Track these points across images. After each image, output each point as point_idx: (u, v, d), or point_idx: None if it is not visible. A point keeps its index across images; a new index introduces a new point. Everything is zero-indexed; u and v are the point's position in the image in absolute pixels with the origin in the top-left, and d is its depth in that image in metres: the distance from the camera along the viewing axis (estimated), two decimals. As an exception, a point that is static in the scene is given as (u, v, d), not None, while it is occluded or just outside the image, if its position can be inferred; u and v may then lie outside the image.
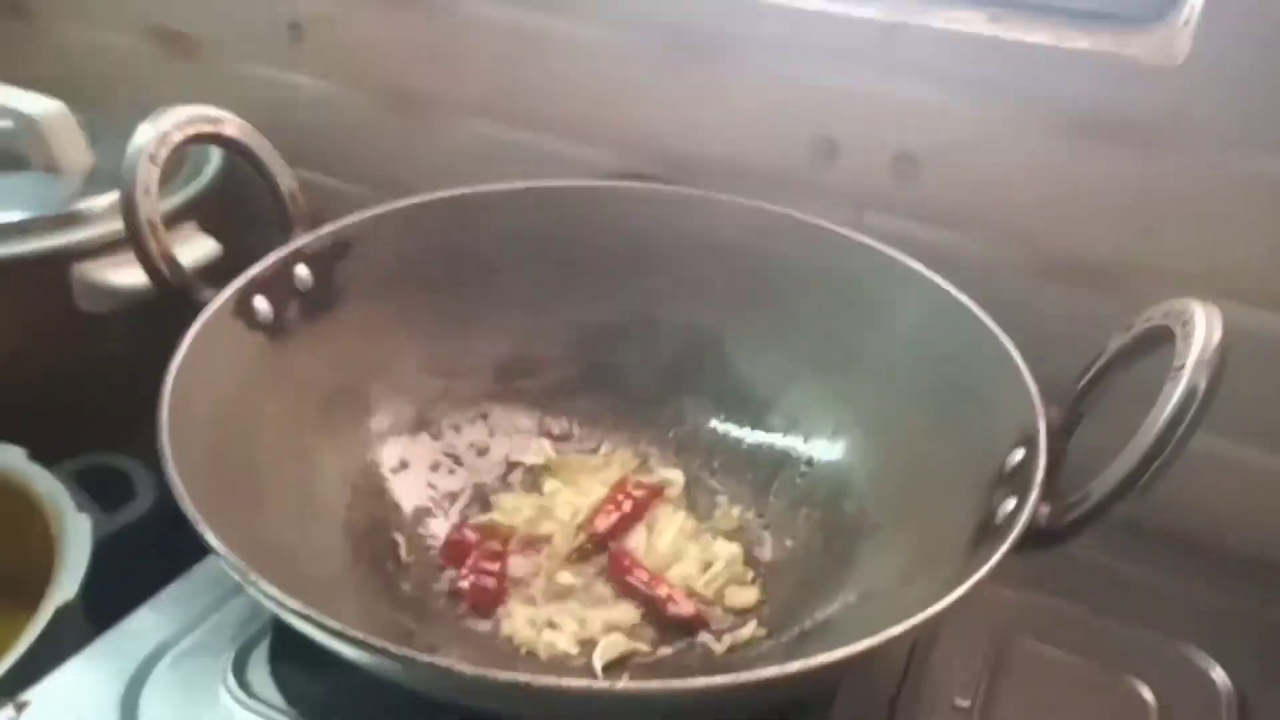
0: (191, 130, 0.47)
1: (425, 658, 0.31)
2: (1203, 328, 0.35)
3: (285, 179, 0.52)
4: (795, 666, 0.32)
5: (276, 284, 0.50)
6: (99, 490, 0.58)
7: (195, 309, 0.46)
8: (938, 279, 0.50)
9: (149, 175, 0.45)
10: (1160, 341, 0.38)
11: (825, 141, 0.60)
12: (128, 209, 0.45)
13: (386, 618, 0.44)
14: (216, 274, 0.51)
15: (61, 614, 0.49)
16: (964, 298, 0.49)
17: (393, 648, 0.32)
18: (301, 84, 0.75)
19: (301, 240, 0.51)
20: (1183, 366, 0.34)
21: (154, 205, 0.45)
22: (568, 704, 0.32)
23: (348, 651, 0.34)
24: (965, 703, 0.49)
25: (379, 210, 0.54)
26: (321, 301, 0.52)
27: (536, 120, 0.69)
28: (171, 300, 0.48)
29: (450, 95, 0.71)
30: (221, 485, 0.41)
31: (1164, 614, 0.53)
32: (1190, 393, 0.34)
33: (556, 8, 0.64)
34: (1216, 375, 0.34)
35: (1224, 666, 0.50)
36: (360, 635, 0.32)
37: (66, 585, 0.50)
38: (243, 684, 0.45)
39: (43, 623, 0.48)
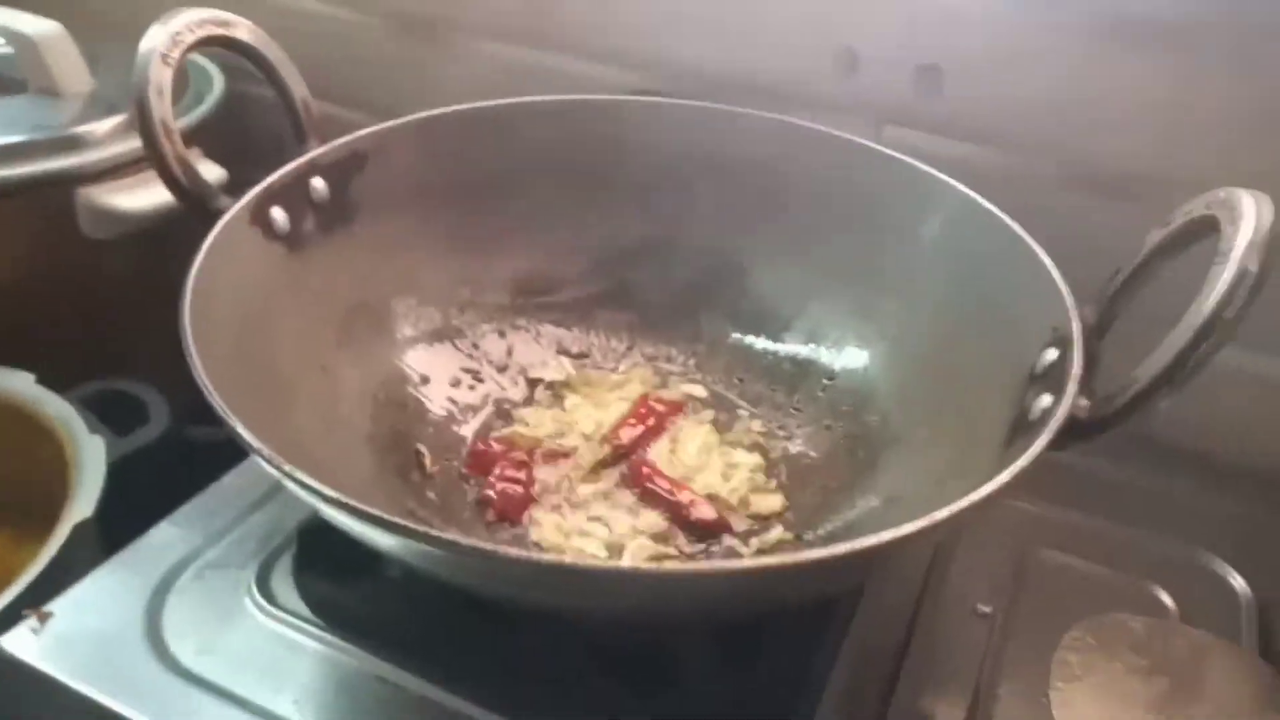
0: (202, 32, 0.46)
1: (470, 541, 0.30)
2: (1251, 212, 0.34)
3: (298, 87, 0.51)
4: (821, 553, 0.31)
5: (292, 194, 0.48)
6: (110, 415, 0.58)
7: (210, 219, 0.45)
8: (960, 187, 0.50)
9: (161, 76, 0.44)
10: (1202, 234, 0.38)
11: (846, 53, 0.59)
12: (141, 110, 0.43)
13: (417, 521, 0.43)
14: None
15: (79, 531, 0.48)
16: (988, 204, 0.48)
17: (437, 532, 0.31)
18: (311, 9, 0.74)
19: (316, 151, 0.50)
20: (1230, 249, 0.34)
21: (168, 107, 0.44)
22: (606, 585, 0.32)
23: (387, 541, 0.33)
24: (987, 609, 0.49)
25: (394, 123, 0.53)
26: (338, 215, 0.51)
27: (554, 41, 0.67)
28: (180, 221, 0.47)
29: (463, 18, 0.70)
30: (247, 391, 0.40)
31: (1183, 524, 0.53)
32: (1241, 274, 0.33)
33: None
34: (1269, 259, 0.33)
35: (1243, 574, 0.51)
36: (404, 521, 0.32)
37: (83, 503, 0.50)
38: (267, 595, 0.45)
39: (60, 539, 0.48)
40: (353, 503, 0.31)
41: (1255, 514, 0.54)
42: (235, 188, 0.47)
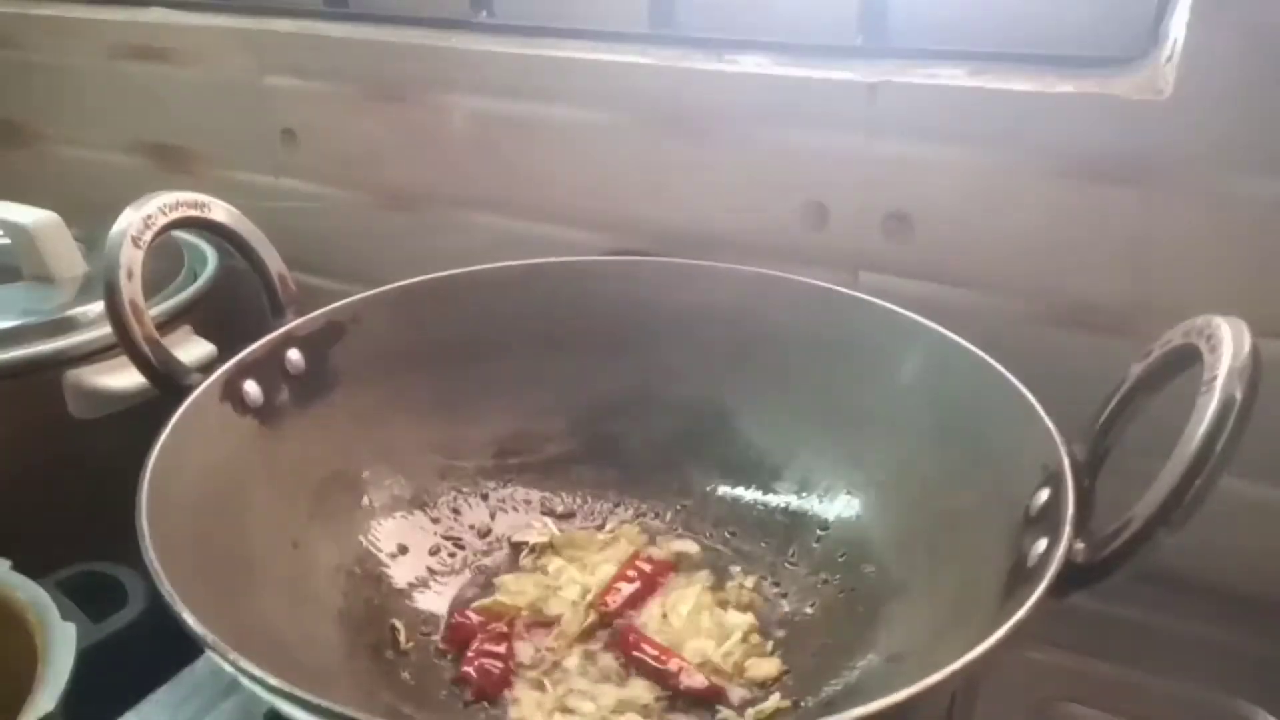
0: (176, 214, 0.47)
1: None
2: (1230, 338, 0.33)
3: (273, 262, 0.51)
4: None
5: (267, 367, 0.48)
6: (90, 600, 0.56)
7: (183, 397, 0.44)
8: (939, 328, 0.49)
9: (131, 258, 0.44)
10: (1184, 363, 0.37)
11: (815, 207, 0.60)
12: (109, 291, 0.44)
13: (388, 707, 0.41)
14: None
15: (41, 727, 0.46)
16: (967, 344, 0.48)
17: None
18: (294, 188, 0.76)
19: (293, 323, 0.50)
20: (1214, 378, 0.33)
21: (137, 289, 0.44)
22: None
23: None
24: (1010, 774, 0.46)
25: (370, 293, 0.54)
26: (314, 386, 0.51)
27: (528, 208, 0.69)
28: (164, 401, 0.46)
29: (441, 189, 0.71)
30: (207, 572, 0.39)
31: (1205, 667, 0.50)
32: (1227, 403, 0.32)
33: (540, 95, 0.64)
34: (1252, 384, 0.32)
35: (1273, 716, 0.47)
36: (358, 714, 0.30)
37: (46, 697, 0.47)
38: (236, 791, 0.42)
39: (22, 736, 0.45)
40: (300, 693, 0.29)
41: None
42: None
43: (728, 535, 0.53)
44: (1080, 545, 0.35)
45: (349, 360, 0.52)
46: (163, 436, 0.41)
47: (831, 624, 0.47)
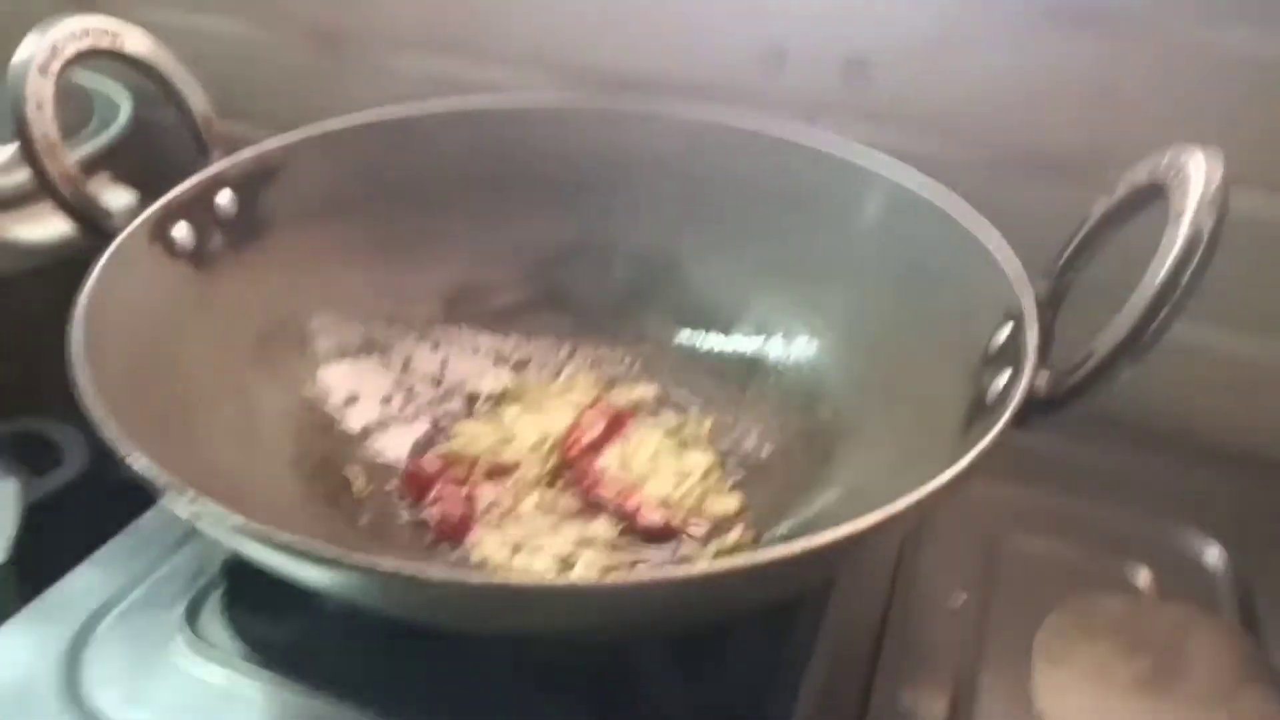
0: (87, 42, 0.43)
1: (392, 565, 0.28)
2: (1200, 171, 0.33)
3: (197, 100, 0.48)
4: (775, 553, 0.29)
5: (197, 210, 0.46)
6: (27, 456, 0.55)
7: (107, 241, 0.42)
8: (896, 173, 0.48)
9: (39, 89, 0.40)
10: (1151, 198, 0.36)
11: (773, 50, 0.57)
12: (19, 125, 0.40)
13: (348, 548, 0.40)
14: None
15: (-9, 575, 0.45)
16: (926, 190, 0.47)
17: (356, 557, 0.28)
18: (211, 27, 0.71)
19: (223, 164, 0.47)
20: (1183, 210, 0.32)
21: (50, 121, 0.41)
22: (545, 605, 0.29)
23: (306, 571, 0.31)
24: (962, 599, 0.47)
25: (303, 133, 0.50)
26: (248, 230, 0.48)
27: (469, 49, 0.65)
28: (90, 250, 0.44)
29: (374, 29, 0.67)
30: (149, 419, 0.37)
31: (1156, 498, 0.52)
32: (1195, 235, 0.31)
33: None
34: (1221, 217, 0.32)
35: (1219, 543, 0.49)
36: (320, 548, 0.29)
37: (-3, 548, 0.47)
38: (198, 634, 0.42)
39: (-27, 588, 0.44)
40: (261, 529, 0.28)
41: (1229, 484, 0.53)
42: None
43: (685, 380, 0.52)
44: (1044, 376, 0.36)
45: (283, 204, 0.49)
46: (90, 281, 0.39)
47: (789, 463, 0.47)
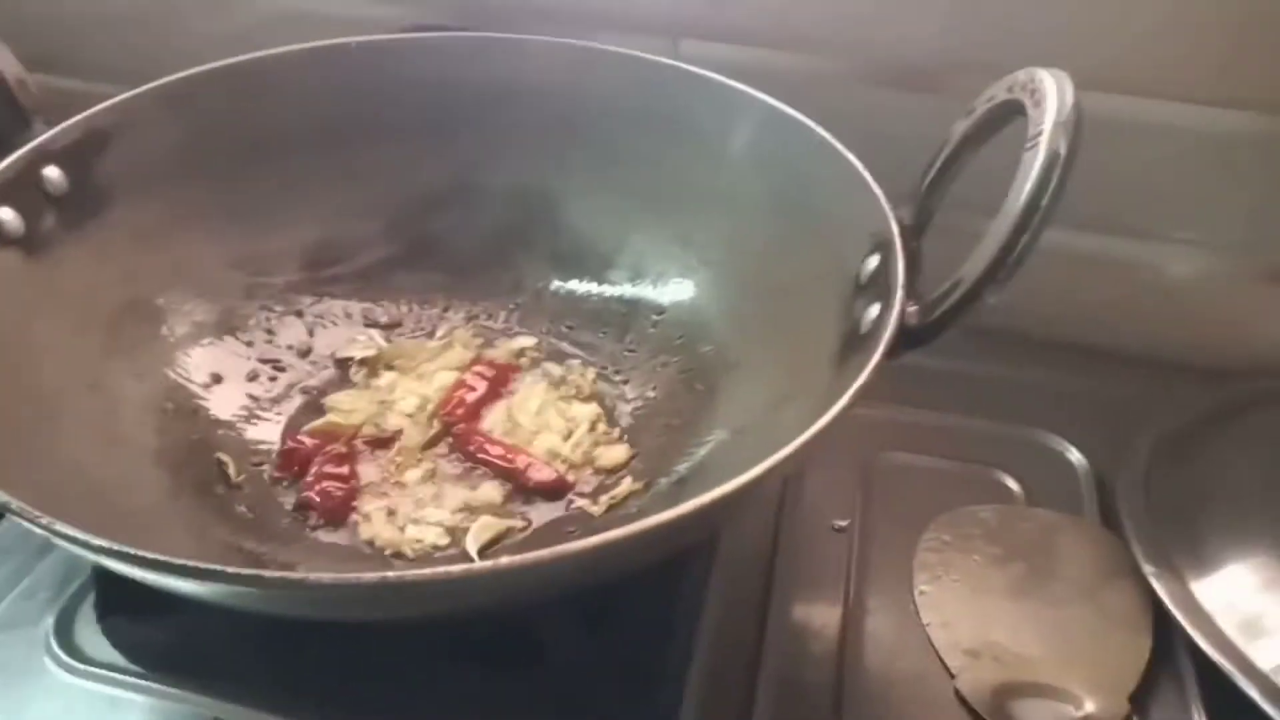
0: None
1: (276, 574, 0.27)
2: (1054, 92, 0.33)
3: (7, 64, 0.44)
4: (665, 516, 0.29)
5: (22, 190, 0.42)
6: None
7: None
8: (764, 97, 0.47)
9: None
10: (1007, 118, 0.37)
11: (635, -31, 0.56)
12: None
13: (224, 544, 0.39)
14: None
15: None
16: (794, 113, 0.46)
17: (234, 570, 0.27)
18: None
19: (44, 136, 0.43)
20: (1040, 133, 0.33)
21: None
22: (442, 593, 0.29)
23: (182, 585, 0.29)
24: (844, 522, 0.49)
25: (133, 93, 0.47)
26: (83, 206, 0.45)
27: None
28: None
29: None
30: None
31: (1016, 407, 0.54)
32: (1052, 158, 0.32)
33: None
34: (1076, 137, 0.33)
35: (1079, 449, 0.52)
36: (192, 563, 0.27)
37: None
38: (70, 649, 0.40)
39: None
40: (126, 549, 0.27)
41: (1082, 387, 0.55)
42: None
43: (565, 329, 0.52)
44: (912, 308, 0.36)
45: (120, 172, 0.46)
46: (-94, 284, 0.36)
47: (674, 405, 0.47)
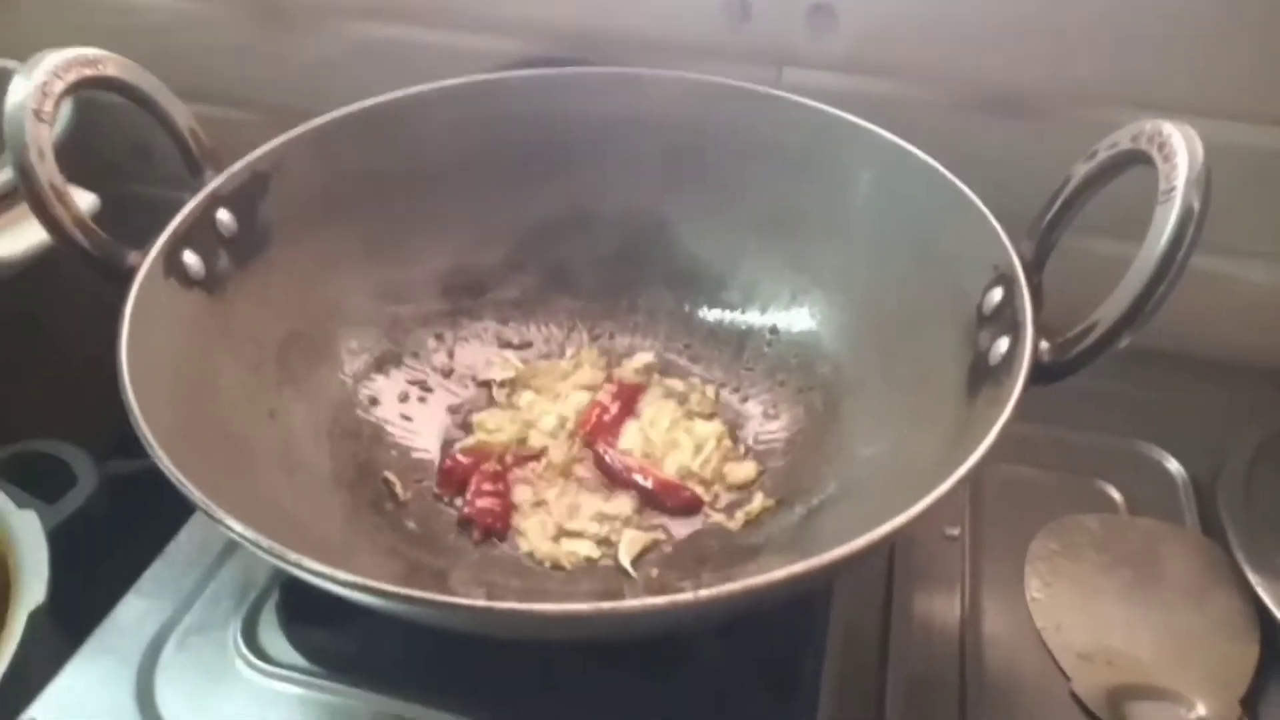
0: (71, 76, 0.42)
1: (466, 601, 0.31)
2: (1184, 147, 0.36)
3: (181, 116, 0.47)
4: (841, 551, 0.32)
5: (200, 234, 0.46)
6: (29, 480, 0.54)
7: (123, 280, 0.42)
8: (876, 129, 0.50)
9: (39, 135, 0.40)
10: (1129, 166, 0.39)
11: (737, 0, 0.58)
12: (25, 179, 0.40)
13: (409, 560, 0.43)
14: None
15: (35, 620, 0.46)
16: (908, 145, 0.49)
17: (436, 596, 0.31)
18: (149, 5, 0.68)
19: (215, 182, 0.47)
20: (1173, 189, 0.35)
21: (53, 169, 0.40)
22: (580, 628, 0.32)
23: (389, 607, 0.33)
24: (955, 530, 0.52)
25: (289, 135, 0.50)
26: (250, 245, 0.48)
27: (425, 13, 0.64)
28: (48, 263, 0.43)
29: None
30: (203, 462, 0.38)
31: (1115, 418, 0.56)
32: (1186, 213, 0.35)
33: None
34: (1207, 193, 0.35)
35: (1177, 457, 0.54)
36: (404, 590, 0.31)
37: (32, 588, 0.47)
38: (257, 651, 0.44)
39: (17, 634, 0.45)
40: (349, 578, 0.31)
41: (1179, 398, 0.58)
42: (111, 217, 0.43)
43: (682, 347, 0.55)
44: (1045, 344, 0.39)
45: (279, 212, 0.49)
46: (125, 330, 0.39)
47: (795, 424, 0.50)
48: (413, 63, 0.65)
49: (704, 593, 0.31)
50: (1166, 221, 0.35)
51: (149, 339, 0.41)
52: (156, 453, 0.35)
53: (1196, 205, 0.35)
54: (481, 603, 0.30)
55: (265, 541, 0.32)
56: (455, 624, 0.33)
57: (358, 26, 0.66)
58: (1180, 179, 0.35)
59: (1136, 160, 0.38)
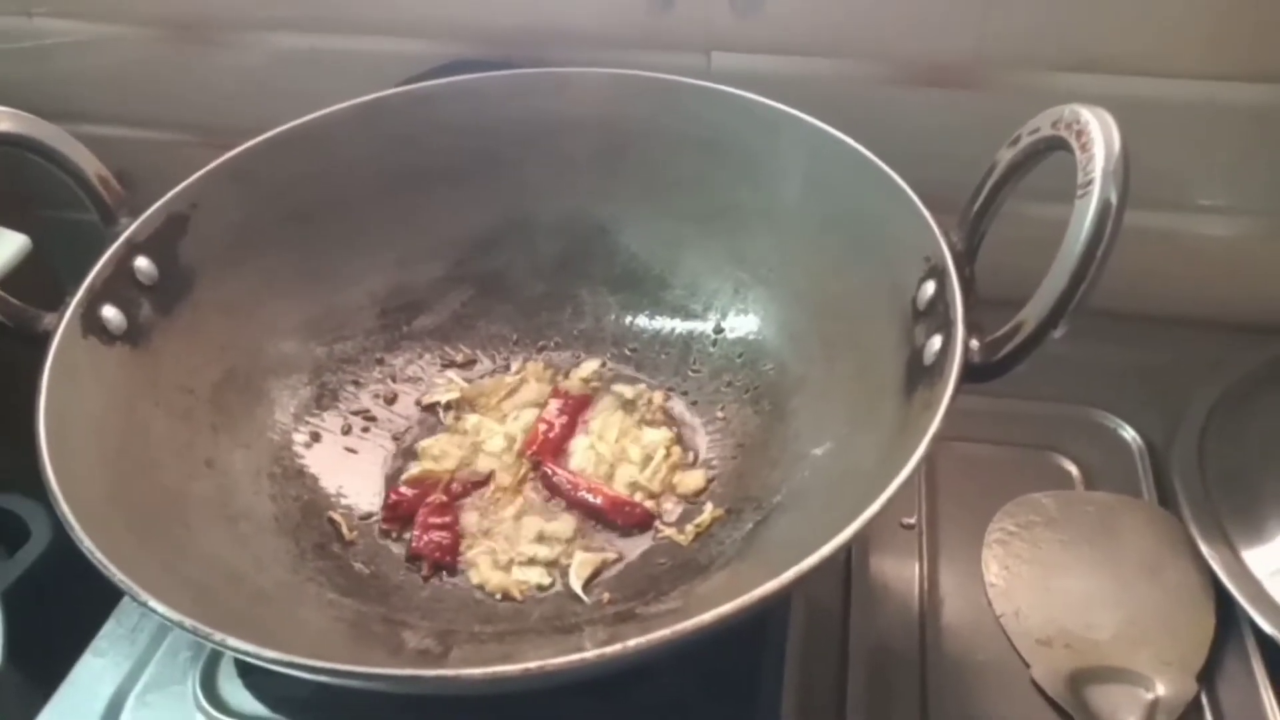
0: (-38, 140, 0.40)
1: (402, 672, 0.31)
2: (1100, 136, 0.35)
3: (89, 165, 0.46)
4: (768, 588, 0.32)
5: (119, 286, 0.45)
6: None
7: (39, 343, 0.41)
8: (802, 116, 0.48)
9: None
10: (1051, 150, 0.38)
11: (660, -13, 0.57)
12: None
13: (355, 608, 0.42)
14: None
15: (-5, 682, 0.46)
16: (835, 131, 0.47)
17: (357, 668, 0.31)
18: (50, 29, 0.66)
19: (132, 227, 0.46)
20: (1091, 181, 0.34)
21: (-48, 241, 0.39)
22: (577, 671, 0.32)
23: (315, 679, 0.33)
24: (911, 520, 0.52)
25: (205, 171, 0.49)
26: (174, 290, 0.47)
27: (345, 21, 0.63)
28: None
29: (241, 12, 0.64)
30: (134, 525, 0.38)
31: (1067, 385, 0.56)
32: (1104, 207, 0.34)
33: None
34: (1125, 184, 0.34)
35: (1131, 424, 0.54)
36: (319, 663, 0.31)
37: (-12, 651, 0.47)
38: (217, 704, 0.44)
39: (-22, 697, 0.45)
40: (293, 659, 0.30)
41: (1131, 360, 0.57)
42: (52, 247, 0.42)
43: (628, 353, 0.54)
44: (975, 343, 0.38)
45: (200, 251, 0.48)
46: (41, 400, 0.39)
47: (743, 426, 0.50)
48: (337, 72, 0.63)
49: (635, 641, 0.30)
50: (1085, 216, 0.34)
51: (71, 403, 0.40)
52: (76, 532, 0.35)
53: (1114, 198, 0.34)
54: (408, 671, 0.30)
55: (189, 622, 0.32)
56: (391, 690, 0.33)
57: (275, 38, 0.64)
58: (1097, 170, 0.34)
59: (1057, 146, 0.38)
